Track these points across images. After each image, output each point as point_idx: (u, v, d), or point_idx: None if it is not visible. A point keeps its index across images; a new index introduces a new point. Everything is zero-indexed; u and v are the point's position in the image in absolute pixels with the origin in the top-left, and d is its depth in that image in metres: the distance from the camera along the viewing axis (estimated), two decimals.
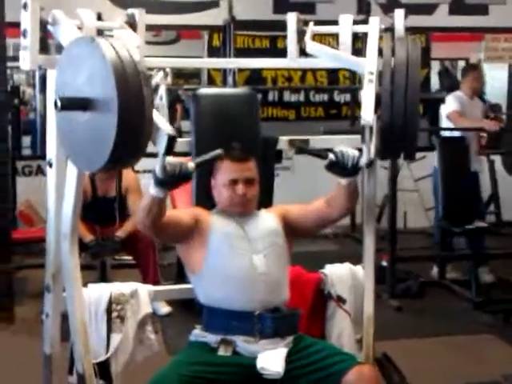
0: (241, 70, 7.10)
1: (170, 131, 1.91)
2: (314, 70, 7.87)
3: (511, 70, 9.67)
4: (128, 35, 2.44)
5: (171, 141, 1.91)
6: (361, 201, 2.64)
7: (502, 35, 8.05)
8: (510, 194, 6.60)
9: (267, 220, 2.54)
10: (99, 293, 2.53)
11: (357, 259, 2.77)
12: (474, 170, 5.36)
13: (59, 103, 1.84)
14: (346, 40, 2.78)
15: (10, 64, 5.32)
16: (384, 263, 4.97)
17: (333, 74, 7.97)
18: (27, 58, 2.24)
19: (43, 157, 2.48)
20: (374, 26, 2.62)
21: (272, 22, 6.70)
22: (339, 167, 2.36)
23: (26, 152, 8.17)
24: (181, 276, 3.97)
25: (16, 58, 2.57)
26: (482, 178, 5.61)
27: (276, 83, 8.00)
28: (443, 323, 4.45)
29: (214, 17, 6.81)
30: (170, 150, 1.93)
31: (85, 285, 2.46)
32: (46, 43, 2.32)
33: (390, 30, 2.63)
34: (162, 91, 2.75)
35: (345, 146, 2.38)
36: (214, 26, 7.09)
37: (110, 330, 2.49)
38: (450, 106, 5.43)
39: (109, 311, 2.50)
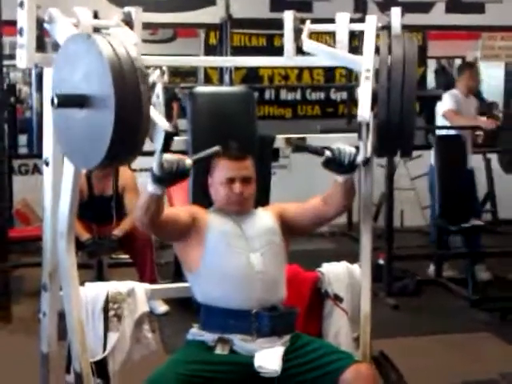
0: (237, 69, 7.10)
1: (167, 127, 1.90)
2: (310, 69, 7.87)
3: (507, 68, 9.70)
4: (125, 33, 2.44)
5: (168, 137, 1.91)
6: (357, 199, 2.64)
7: (499, 33, 8.06)
8: (507, 192, 6.61)
9: (264, 218, 2.54)
10: (96, 292, 2.53)
11: (354, 258, 2.77)
12: (471, 168, 5.37)
13: (56, 100, 1.84)
14: (342, 38, 2.78)
15: (6, 62, 5.29)
16: (381, 261, 4.98)
17: (329, 72, 7.97)
18: (24, 57, 2.24)
19: (40, 155, 2.48)
20: (370, 24, 2.61)
21: (269, 20, 6.69)
22: (336, 164, 2.36)
23: (23, 151, 8.17)
24: (178, 275, 3.97)
25: (12, 56, 2.56)
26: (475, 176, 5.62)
27: (273, 81, 8.00)
28: (440, 321, 4.46)
29: (211, 15, 6.81)
30: (167, 146, 1.92)
31: (82, 284, 2.45)
32: (42, 41, 2.31)
33: (386, 28, 2.63)
34: (159, 89, 2.75)
35: (342, 143, 2.38)
36: (210, 25, 7.09)
37: (107, 329, 2.48)
38: (445, 104, 5.43)
39: (106, 310, 2.50)
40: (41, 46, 2.30)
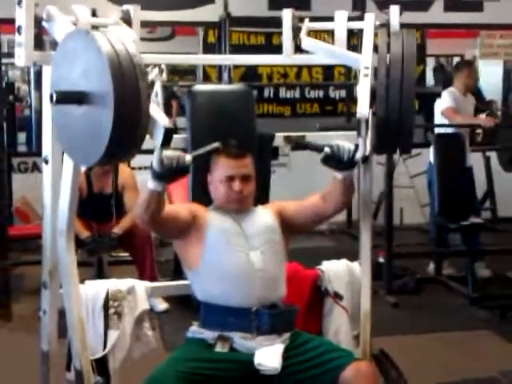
0: (236, 67, 7.09)
1: (166, 124, 1.90)
2: (309, 67, 7.86)
3: (506, 66, 9.70)
4: (123, 31, 2.43)
5: (168, 133, 1.90)
6: (357, 197, 2.64)
7: (497, 32, 8.07)
8: (506, 190, 6.62)
9: (264, 216, 2.54)
10: (96, 289, 2.53)
11: (353, 255, 2.77)
12: (469, 166, 5.37)
13: (55, 97, 1.83)
14: (341, 36, 2.78)
15: (4, 60, 5.31)
16: (381, 259, 4.98)
17: (328, 70, 7.96)
18: (22, 55, 2.23)
19: (39, 153, 2.48)
20: (369, 23, 2.61)
21: (267, 18, 6.69)
22: (335, 161, 2.36)
23: (22, 148, 8.17)
24: (178, 272, 3.97)
25: (11, 55, 2.56)
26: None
27: (271, 80, 8.00)
28: (440, 319, 4.46)
29: (210, 13, 6.80)
30: (166, 142, 1.92)
31: (82, 281, 2.45)
32: (40, 40, 2.31)
33: (385, 26, 2.63)
34: (158, 88, 2.74)
35: (341, 140, 2.38)
36: (209, 23, 7.08)
37: (107, 327, 2.49)
38: (444, 102, 5.43)
39: (106, 308, 2.50)
40: (39, 44, 2.30)
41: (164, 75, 2.68)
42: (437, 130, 5.48)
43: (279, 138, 2.75)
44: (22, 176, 6.34)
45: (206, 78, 7.75)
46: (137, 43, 2.41)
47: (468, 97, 5.60)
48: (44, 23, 2.24)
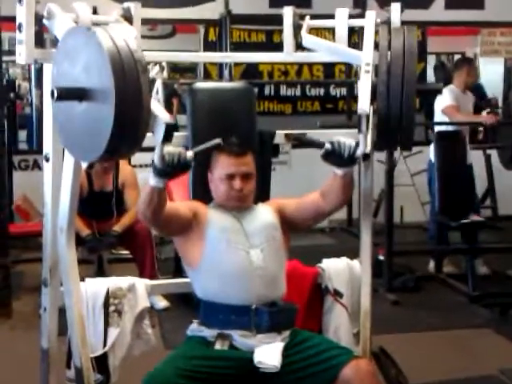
0: (237, 64, 7.09)
1: (167, 119, 1.90)
2: (310, 64, 7.86)
3: (507, 64, 9.68)
4: (124, 29, 2.43)
5: (169, 129, 1.90)
6: (358, 195, 2.64)
7: (498, 29, 8.06)
8: (507, 188, 6.61)
9: (264, 214, 2.54)
10: (96, 287, 2.53)
11: (354, 253, 2.77)
12: (469, 164, 5.37)
13: (56, 93, 1.83)
14: (342, 34, 2.77)
15: (5, 58, 5.31)
16: (381, 257, 4.97)
17: (329, 68, 7.96)
18: (23, 52, 2.24)
19: (40, 151, 2.48)
20: (370, 20, 2.61)
21: (268, 16, 6.68)
22: (335, 157, 2.35)
23: (22, 146, 8.17)
24: (178, 270, 3.98)
25: (11, 52, 2.56)
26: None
27: (272, 77, 8.00)
28: (440, 317, 4.46)
29: (210, 11, 6.80)
30: (168, 138, 1.92)
31: (82, 279, 2.45)
32: (41, 37, 2.32)
33: (386, 23, 2.62)
34: (158, 85, 2.74)
35: (342, 136, 2.37)
36: (210, 20, 7.08)
37: (107, 325, 2.49)
38: (445, 100, 5.42)
39: (106, 305, 2.50)
40: (40, 41, 2.30)
41: (165, 73, 2.68)
42: (437, 128, 5.47)
43: (280, 135, 2.75)
44: (22, 174, 6.34)
45: (207, 76, 7.75)
46: (138, 41, 2.41)
47: (467, 94, 5.60)
48: (45, 21, 2.24)
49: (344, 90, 7.93)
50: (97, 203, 4.54)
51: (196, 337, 2.43)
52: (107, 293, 2.52)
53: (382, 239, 4.91)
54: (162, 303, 4.37)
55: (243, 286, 2.40)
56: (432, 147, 5.31)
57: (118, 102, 1.72)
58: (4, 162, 4.84)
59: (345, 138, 2.36)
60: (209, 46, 7.55)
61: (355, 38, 3.30)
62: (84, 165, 2.02)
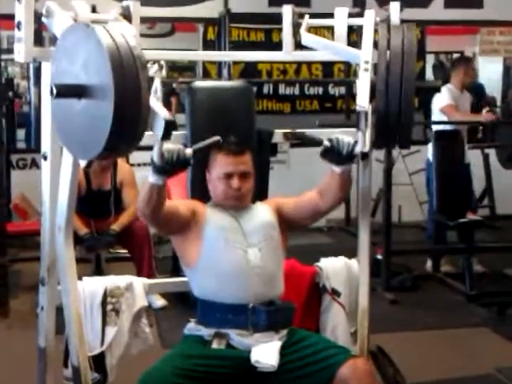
0: (236, 63, 7.09)
1: (167, 116, 1.89)
2: (309, 63, 7.86)
3: (506, 63, 9.69)
4: (123, 27, 2.43)
5: (168, 126, 1.90)
6: (356, 194, 2.64)
7: (497, 28, 8.06)
8: (505, 187, 6.62)
9: (262, 213, 2.54)
10: (94, 286, 2.53)
11: (351, 253, 2.77)
12: (467, 163, 5.38)
13: (54, 90, 1.83)
14: (341, 33, 2.77)
15: (4, 56, 5.32)
16: (379, 256, 4.98)
17: (328, 67, 7.96)
18: (22, 51, 2.23)
19: (38, 150, 2.48)
20: (369, 19, 2.61)
21: (267, 14, 6.68)
22: (334, 154, 2.35)
23: (21, 145, 8.16)
24: (176, 269, 3.98)
25: (10, 51, 2.56)
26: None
27: (271, 76, 7.99)
28: (437, 316, 4.46)
29: (209, 9, 6.79)
30: (167, 135, 1.92)
31: (80, 278, 2.46)
32: (40, 35, 2.31)
33: (385, 22, 2.62)
34: (157, 84, 2.74)
35: (341, 133, 2.37)
36: (209, 19, 7.08)
37: (104, 323, 2.49)
38: (443, 99, 5.42)
39: (104, 304, 2.50)
40: (39, 40, 2.30)
41: (163, 71, 2.68)
42: (435, 127, 5.47)
43: (278, 134, 2.75)
44: (20, 172, 6.33)
45: (206, 75, 7.75)
46: (137, 39, 2.41)
47: (464, 93, 5.60)
48: (43, 19, 2.24)
49: (343, 89, 7.92)
50: (95, 202, 4.54)
51: (193, 336, 2.43)
52: (105, 292, 2.52)
53: (380, 238, 4.91)
54: (159, 302, 4.37)
55: (241, 285, 2.40)
56: (430, 146, 5.31)
57: (117, 98, 1.71)
58: (2, 161, 4.85)
59: (343, 135, 2.36)
60: (208, 45, 7.55)
61: (354, 37, 3.29)
62: (82, 163, 2.01)
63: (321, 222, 6.38)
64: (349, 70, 7.38)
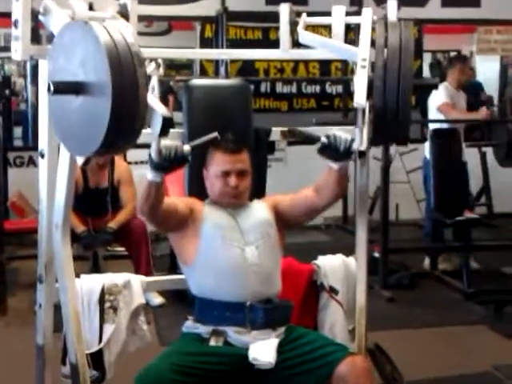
0: (233, 61, 7.09)
1: (164, 112, 1.89)
2: (306, 62, 7.86)
3: (503, 62, 9.70)
4: (120, 24, 2.43)
5: (166, 122, 1.89)
6: (353, 192, 2.64)
7: (494, 27, 8.08)
8: (502, 185, 6.63)
9: (259, 211, 2.54)
10: (92, 283, 2.53)
11: (349, 250, 2.77)
12: (464, 161, 5.38)
13: (52, 87, 1.82)
14: (338, 31, 2.77)
15: (1, 54, 5.32)
16: (376, 254, 4.98)
17: (325, 65, 7.97)
18: (19, 49, 2.23)
19: (35, 148, 2.47)
20: (366, 17, 2.61)
21: (264, 13, 6.69)
22: (331, 151, 2.35)
23: (18, 143, 8.16)
24: (173, 267, 3.98)
25: (7, 49, 2.56)
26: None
27: (268, 74, 8.00)
28: (435, 314, 4.47)
29: (207, 8, 6.80)
30: (165, 131, 1.91)
31: (77, 276, 2.45)
32: (37, 33, 2.31)
33: (382, 20, 2.62)
34: (154, 82, 2.74)
35: (338, 130, 2.37)
36: (206, 17, 7.08)
37: (102, 321, 2.49)
38: (440, 97, 5.42)
39: (101, 302, 2.50)
40: (36, 38, 2.30)
41: (161, 70, 2.68)
42: (432, 126, 5.48)
43: (275, 132, 2.75)
44: (17, 170, 6.32)
45: (203, 73, 7.75)
46: (134, 37, 2.41)
47: (460, 92, 5.60)
48: (41, 17, 2.24)
49: (340, 88, 7.94)
50: (92, 200, 4.54)
51: (191, 333, 2.43)
52: (102, 289, 2.52)
53: (378, 236, 4.91)
54: (157, 300, 4.37)
55: (238, 283, 2.40)
56: (427, 144, 5.32)
57: (115, 95, 1.71)
58: None
59: (341, 132, 2.36)
60: (205, 43, 7.55)
61: (351, 35, 3.31)
62: (79, 161, 2.00)
63: (318, 220, 6.39)
64: (346, 69, 7.39)
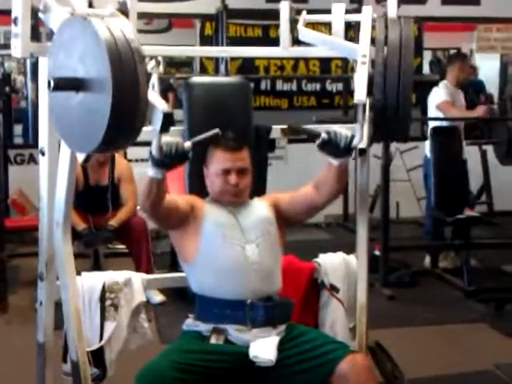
0: (233, 59, 7.09)
1: (165, 108, 1.89)
2: (306, 59, 7.86)
3: (503, 60, 9.70)
4: (120, 21, 2.42)
5: (167, 118, 1.89)
6: (354, 190, 2.64)
7: (494, 25, 8.07)
8: (502, 183, 6.64)
9: (260, 208, 2.53)
10: (93, 281, 2.53)
11: (350, 248, 2.77)
12: (464, 159, 5.38)
13: (52, 83, 1.82)
14: (338, 29, 2.77)
15: (1, 52, 5.31)
16: (377, 252, 4.99)
17: (325, 63, 7.96)
18: (19, 46, 2.23)
19: (35, 145, 2.47)
20: (366, 15, 2.61)
21: (265, 10, 6.69)
22: (332, 147, 2.35)
23: (18, 140, 8.15)
24: (174, 265, 3.98)
25: (7, 46, 2.55)
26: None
27: (268, 72, 7.99)
28: (435, 312, 4.47)
29: (207, 5, 6.79)
30: (165, 127, 1.91)
31: (78, 273, 2.45)
32: (37, 31, 2.30)
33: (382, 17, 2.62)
34: (154, 80, 2.74)
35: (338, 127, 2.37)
36: (206, 15, 7.07)
37: (103, 319, 2.49)
38: (440, 95, 5.42)
39: (102, 299, 2.50)
40: (36, 35, 2.29)
41: (161, 67, 2.67)
42: (432, 124, 5.48)
43: (276, 130, 2.75)
44: (18, 168, 6.33)
45: (203, 71, 7.74)
46: (134, 34, 2.40)
47: (459, 90, 5.60)
48: (40, 14, 2.24)
49: (340, 86, 7.93)
50: (92, 197, 4.54)
51: (191, 331, 2.43)
52: (103, 287, 2.52)
53: (378, 234, 4.91)
54: (158, 297, 4.38)
55: (238, 281, 2.40)
56: (428, 143, 5.31)
57: (115, 92, 1.70)
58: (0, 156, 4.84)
59: (341, 128, 2.36)
60: (205, 41, 7.53)
61: (351, 33, 3.30)
62: (80, 158, 2.00)
63: (319, 218, 6.39)
64: (346, 67, 7.38)
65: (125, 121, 1.76)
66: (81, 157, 1.98)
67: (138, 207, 4.27)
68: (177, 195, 2.56)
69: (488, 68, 10.48)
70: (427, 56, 10.41)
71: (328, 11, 2.81)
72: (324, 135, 2.34)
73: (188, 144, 2.13)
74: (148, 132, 1.96)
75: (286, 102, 8.09)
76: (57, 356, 2.48)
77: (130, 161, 5.11)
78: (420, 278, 5.15)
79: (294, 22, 2.80)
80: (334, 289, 2.70)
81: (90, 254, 4.86)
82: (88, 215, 4.51)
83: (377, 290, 4.74)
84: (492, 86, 10.10)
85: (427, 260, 5.43)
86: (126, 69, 1.73)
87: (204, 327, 2.40)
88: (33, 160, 6.25)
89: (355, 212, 2.72)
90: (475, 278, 4.87)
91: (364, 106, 2.35)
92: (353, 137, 2.33)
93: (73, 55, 1.81)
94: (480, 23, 8.18)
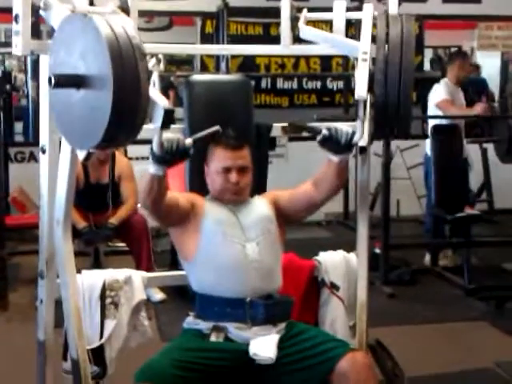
0: (234, 57, 7.09)
1: (166, 105, 1.89)
2: (307, 57, 7.86)
3: (504, 58, 9.69)
4: (121, 19, 2.42)
5: (168, 115, 1.88)
6: (354, 188, 2.64)
7: (495, 23, 8.07)
8: (503, 182, 6.64)
9: (260, 207, 2.53)
10: (93, 279, 2.53)
11: (350, 246, 2.77)
12: (464, 157, 5.38)
13: (53, 80, 1.81)
14: (339, 27, 2.77)
15: (1, 50, 5.31)
16: (377, 250, 4.99)
17: (326, 61, 7.96)
18: (19, 44, 2.22)
19: (36, 143, 2.47)
20: (367, 13, 2.60)
21: (265, 8, 6.68)
22: (332, 143, 2.35)
23: (18, 138, 8.15)
24: (174, 263, 3.98)
25: (8, 44, 2.55)
26: None
27: (269, 70, 7.99)
28: (436, 310, 4.47)
29: (207, 3, 6.79)
30: (166, 123, 1.91)
31: (78, 271, 2.45)
32: (38, 28, 2.30)
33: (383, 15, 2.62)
34: (155, 78, 2.74)
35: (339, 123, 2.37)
36: (207, 13, 7.07)
37: (103, 317, 2.49)
38: (439, 94, 5.41)
39: (103, 297, 2.50)
40: (36, 33, 2.29)
41: (161, 65, 2.67)
42: (432, 122, 5.47)
43: (277, 128, 2.74)
44: (18, 166, 6.33)
45: (204, 68, 7.74)
46: (135, 31, 2.40)
47: (459, 88, 5.59)
48: (41, 12, 2.23)
49: (341, 83, 7.92)
50: (93, 195, 4.54)
51: (192, 329, 2.43)
52: (104, 285, 2.52)
53: (379, 232, 4.92)
54: (158, 295, 4.38)
55: (238, 279, 2.40)
56: (428, 141, 5.31)
57: (116, 88, 1.70)
58: (0, 154, 4.84)
59: (342, 125, 2.36)
60: (206, 39, 7.54)
61: (352, 31, 3.29)
62: (81, 156, 2.00)
63: (319, 216, 6.40)
64: (347, 64, 7.37)
65: (126, 117, 1.76)
66: (81, 155, 1.98)
67: (139, 205, 4.27)
68: (177, 192, 2.56)
69: (489, 66, 10.48)
70: (428, 54, 10.41)
71: (329, 9, 2.81)
72: (325, 131, 2.34)
73: (189, 141, 2.14)
74: (148, 130, 1.96)
75: (286, 100, 8.09)
76: (57, 354, 2.48)
77: (130, 159, 5.11)
78: (420, 276, 5.16)
79: (294, 20, 2.80)
80: (334, 287, 2.70)
81: (91, 252, 4.86)
82: (88, 213, 4.51)
83: (377, 288, 4.74)
84: (493, 84, 10.10)
85: (427, 258, 5.43)
86: (126, 65, 1.72)
87: (204, 325, 2.40)
88: (33, 158, 6.25)
89: (355, 210, 2.71)
90: (475, 276, 4.87)
91: (365, 102, 2.35)
92: (354, 133, 2.33)
93: (74, 52, 1.80)
94: (481, 21, 8.17)
